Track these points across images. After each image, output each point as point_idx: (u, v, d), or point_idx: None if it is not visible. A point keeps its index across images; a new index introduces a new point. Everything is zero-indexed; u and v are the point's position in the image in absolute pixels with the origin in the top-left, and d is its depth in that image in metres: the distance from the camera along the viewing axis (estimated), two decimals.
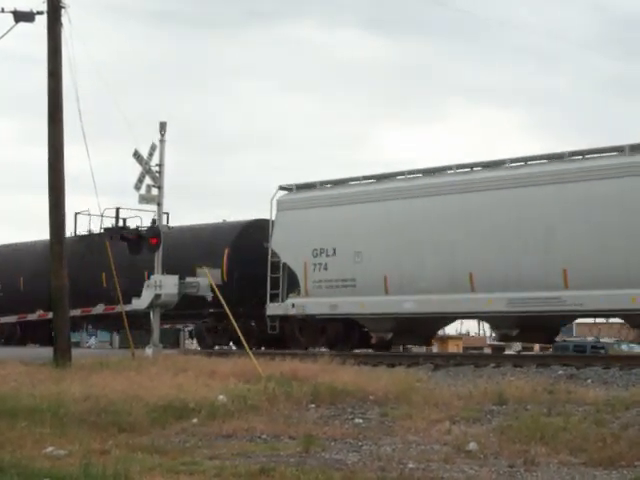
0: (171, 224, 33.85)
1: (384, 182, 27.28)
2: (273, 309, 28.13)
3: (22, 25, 22.28)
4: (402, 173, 27.03)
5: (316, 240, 27.59)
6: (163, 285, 25.20)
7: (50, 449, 10.79)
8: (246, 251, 29.58)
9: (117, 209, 34.57)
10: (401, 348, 29.33)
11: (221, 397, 14.48)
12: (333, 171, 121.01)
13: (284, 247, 28.29)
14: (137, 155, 24.99)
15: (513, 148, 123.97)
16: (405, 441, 11.51)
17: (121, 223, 34.55)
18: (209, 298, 27.19)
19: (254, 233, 29.93)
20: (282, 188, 29.13)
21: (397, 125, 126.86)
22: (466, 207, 24.94)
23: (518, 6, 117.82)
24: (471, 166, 25.91)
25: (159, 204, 25.55)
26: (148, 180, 25.26)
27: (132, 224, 34.02)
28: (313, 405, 14.44)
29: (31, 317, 34.66)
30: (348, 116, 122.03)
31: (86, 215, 34.80)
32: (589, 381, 17.54)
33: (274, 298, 28.17)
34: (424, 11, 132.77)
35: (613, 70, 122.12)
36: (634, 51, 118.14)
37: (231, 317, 21.49)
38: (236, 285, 28.82)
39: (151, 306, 25.48)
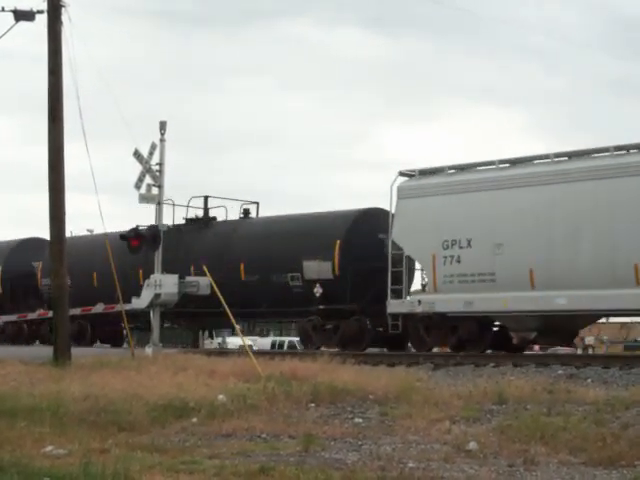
0: (261, 214, 31.75)
1: (525, 166, 24.73)
2: (395, 306, 25.53)
3: (22, 24, 22.33)
4: (547, 156, 24.44)
5: (446, 230, 25.02)
6: (163, 284, 25.21)
7: (50, 448, 10.79)
8: (360, 243, 27.19)
9: (205, 197, 31.89)
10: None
11: (221, 396, 14.48)
12: (333, 170, 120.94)
13: (407, 238, 25.81)
14: (137, 154, 25.03)
15: (514, 147, 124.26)
16: (405, 440, 11.51)
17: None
18: (317, 294, 26.19)
19: (368, 223, 27.68)
20: (402, 174, 26.43)
21: (397, 124, 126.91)
22: (630, 192, 22.39)
23: (519, 6, 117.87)
24: (628, 148, 23.20)
25: (159, 203, 25.56)
26: (148, 179, 25.30)
27: (218, 214, 31.84)
28: (313, 404, 14.43)
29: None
30: (348, 115, 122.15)
31: (169, 205, 31.44)
32: (589, 381, 17.53)
33: (395, 294, 25.74)
34: (424, 10, 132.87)
35: (614, 70, 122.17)
36: (636, 51, 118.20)
37: (229, 312, 21.30)
38: (349, 280, 26.57)
39: (151, 305, 25.49)
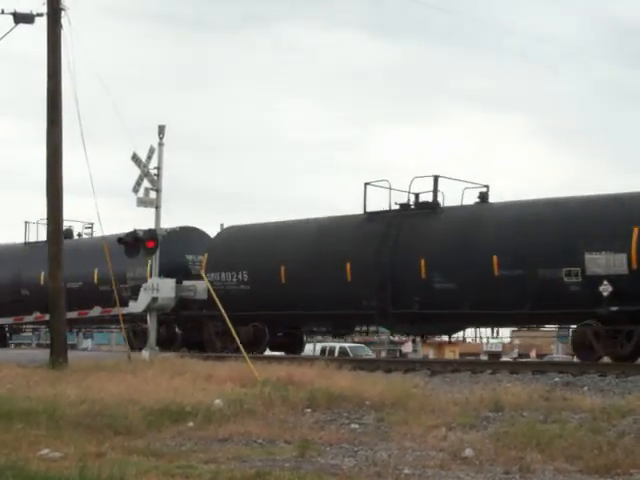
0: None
1: None
2: None
3: (22, 27, 22.36)
4: None
5: None
6: (160, 288, 25.14)
7: (45, 451, 10.77)
8: None
9: (435, 177, 27.15)
10: (398, 353, 28.89)
11: (217, 401, 14.47)
12: (335, 171, 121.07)
13: None
14: (135, 158, 24.97)
15: (514, 150, 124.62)
16: (401, 447, 11.50)
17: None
18: (605, 292, 22.40)
19: None
20: None
21: (397, 127, 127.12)
22: None
23: (518, 10, 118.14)
24: None
25: (157, 207, 25.50)
26: (146, 183, 25.26)
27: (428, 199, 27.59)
28: (309, 410, 14.43)
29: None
30: (348, 118, 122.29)
31: (385, 188, 27.81)
32: (585, 388, 17.54)
33: None
34: (424, 14, 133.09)
35: (613, 75, 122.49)
36: (635, 57, 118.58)
37: (227, 319, 21.26)
38: None
39: (148, 309, 25.44)
